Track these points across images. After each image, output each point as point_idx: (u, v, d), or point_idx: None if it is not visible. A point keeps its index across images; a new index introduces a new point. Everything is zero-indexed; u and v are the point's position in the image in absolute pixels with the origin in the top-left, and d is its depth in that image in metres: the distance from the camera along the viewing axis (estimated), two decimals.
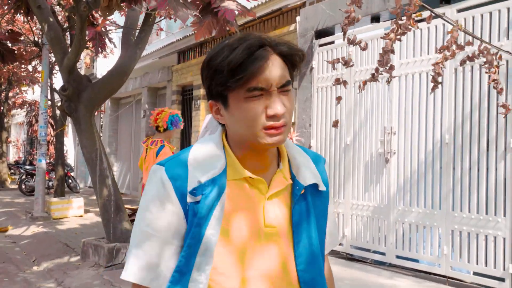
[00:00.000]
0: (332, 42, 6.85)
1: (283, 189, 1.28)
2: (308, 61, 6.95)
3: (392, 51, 3.07)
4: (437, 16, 2.87)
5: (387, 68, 2.99)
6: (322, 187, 1.32)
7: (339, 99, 3.46)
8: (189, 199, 1.20)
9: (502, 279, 4.58)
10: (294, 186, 1.28)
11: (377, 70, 3.20)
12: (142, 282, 1.21)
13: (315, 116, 6.91)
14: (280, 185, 1.27)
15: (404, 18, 2.78)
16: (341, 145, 6.46)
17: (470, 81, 4.91)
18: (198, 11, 5.44)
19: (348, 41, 3.11)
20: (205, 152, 1.25)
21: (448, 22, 2.94)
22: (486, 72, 2.96)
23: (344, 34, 2.99)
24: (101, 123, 17.75)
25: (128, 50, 7.01)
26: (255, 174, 1.25)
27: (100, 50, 7.34)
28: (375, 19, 6.30)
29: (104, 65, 15.17)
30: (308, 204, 1.29)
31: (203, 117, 10.20)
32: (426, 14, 3.20)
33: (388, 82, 3.20)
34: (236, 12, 5.14)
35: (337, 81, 3.19)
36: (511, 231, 4.51)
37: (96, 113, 15.91)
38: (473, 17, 4.89)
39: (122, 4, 4.74)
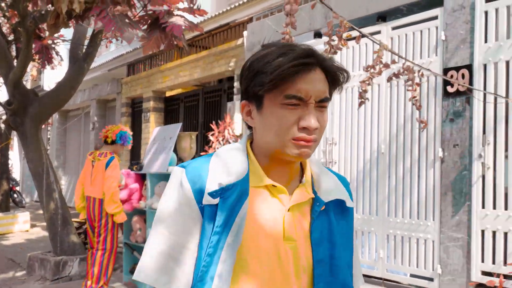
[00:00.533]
0: None
1: (305, 203, 1.24)
2: None
3: None
4: (364, 36, 3.13)
5: None
6: (349, 203, 1.29)
7: None
8: (205, 200, 1.17)
9: (431, 279, 4.90)
10: (314, 202, 1.24)
11: None
12: (155, 284, 1.18)
13: None
14: (302, 198, 1.23)
15: (335, 38, 3.03)
16: None
17: (404, 94, 5.25)
18: (146, 26, 5.61)
19: None
20: (228, 157, 1.22)
21: (375, 42, 3.21)
22: (407, 90, 3.25)
23: None
24: (49, 136, 17.45)
25: (75, 64, 7.06)
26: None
27: (46, 64, 7.36)
28: (318, 34, 6.61)
29: (51, 77, 14.98)
30: (331, 222, 1.25)
31: (153, 129, 10.27)
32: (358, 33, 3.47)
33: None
34: (184, 28, 5.34)
35: None
36: (439, 234, 4.85)
37: (43, 126, 15.65)
38: (406, 35, 5.24)
39: (68, 22, 4.84)
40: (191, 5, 4.78)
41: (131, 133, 5.63)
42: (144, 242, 5.40)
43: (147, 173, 5.31)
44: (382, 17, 5.64)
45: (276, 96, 1.16)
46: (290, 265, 1.18)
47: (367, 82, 3.23)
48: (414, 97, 3.21)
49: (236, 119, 7.54)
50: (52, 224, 6.71)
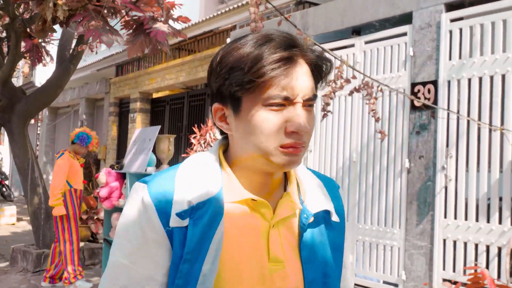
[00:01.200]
0: None
1: (291, 216, 1.07)
2: None
3: None
4: (326, 51, 3.33)
5: None
6: (335, 218, 1.12)
7: None
8: (172, 222, 0.98)
9: (396, 285, 5.12)
10: (301, 214, 1.07)
11: None
12: None
13: None
14: (288, 211, 1.06)
15: None
16: None
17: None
18: (131, 30, 5.80)
19: None
20: (197, 169, 1.04)
21: (336, 58, 3.43)
22: (366, 103, 3.47)
23: None
24: (38, 132, 17.58)
25: (62, 65, 7.24)
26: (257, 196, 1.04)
27: (36, 62, 7.53)
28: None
29: (43, 74, 15.12)
30: (322, 236, 1.09)
31: None
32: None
33: None
34: (167, 33, 5.54)
35: None
36: (404, 242, 5.07)
37: (33, 122, 15.78)
38: (378, 49, 5.46)
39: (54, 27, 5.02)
40: (168, 15, 4.97)
41: (92, 134, 6.00)
42: None
43: (127, 172, 5.50)
44: (357, 31, 5.86)
45: (256, 97, 0.98)
46: None
47: (329, 96, 3.44)
48: (373, 110, 3.43)
49: None
50: (36, 218, 6.90)
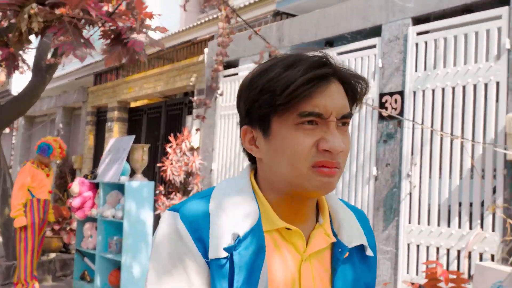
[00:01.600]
0: (236, 74, 7.47)
1: (324, 249, 1.03)
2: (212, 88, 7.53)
3: None
4: None
5: None
6: (369, 252, 1.08)
7: (197, 130, 4.07)
8: (212, 254, 0.94)
9: None
10: (335, 248, 1.03)
11: None
12: None
13: (218, 141, 7.47)
14: (321, 243, 1.02)
15: None
16: (239, 169, 7.04)
17: None
18: (109, 40, 5.90)
19: (213, 89, 3.75)
20: (232, 196, 0.99)
21: None
22: None
23: (212, 88, 3.62)
24: (13, 141, 17.46)
25: (38, 74, 7.30)
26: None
27: (12, 71, 7.57)
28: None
29: (19, 83, 15.06)
30: (356, 271, 1.04)
31: None
32: None
33: None
34: (145, 43, 5.65)
35: (197, 117, 3.77)
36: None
37: (8, 131, 15.67)
38: (349, 60, 5.66)
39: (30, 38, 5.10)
40: (142, 26, 5.09)
41: (54, 144, 5.99)
42: (94, 248, 5.64)
43: (100, 182, 5.57)
44: (330, 43, 6.05)
45: (288, 117, 0.95)
46: None
47: None
48: None
49: (194, 132, 7.85)
50: (6, 229, 6.89)
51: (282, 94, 0.93)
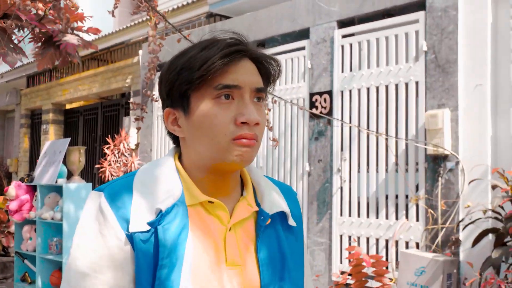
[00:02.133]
0: None
1: (248, 219, 1.07)
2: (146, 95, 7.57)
3: None
4: None
5: None
6: (291, 222, 1.11)
7: (138, 129, 4.17)
8: (132, 227, 0.97)
9: None
10: (258, 216, 1.07)
11: None
12: None
13: (155, 142, 7.53)
14: (244, 213, 1.06)
15: None
16: None
17: (278, 113, 5.85)
18: (40, 43, 5.84)
19: (147, 96, 3.86)
20: (155, 175, 1.04)
21: None
22: None
23: (146, 95, 3.72)
24: None
25: None
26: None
27: None
28: None
29: None
30: (280, 238, 1.08)
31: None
32: None
33: None
34: (78, 45, 5.64)
35: (136, 119, 3.86)
36: (306, 240, 5.47)
37: None
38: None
39: None
40: (67, 25, 5.08)
41: None
42: (34, 250, 5.61)
43: (37, 184, 5.53)
44: (262, 44, 6.23)
45: (205, 91, 1.00)
46: None
47: None
48: (267, 120, 3.77)
49: (131, 133, 7.86)
50: None
51: (199, 70, 0.98)
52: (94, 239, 0.98)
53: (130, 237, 0.97)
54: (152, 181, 1.02)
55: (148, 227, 0.96)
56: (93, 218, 0.99)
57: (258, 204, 1.08)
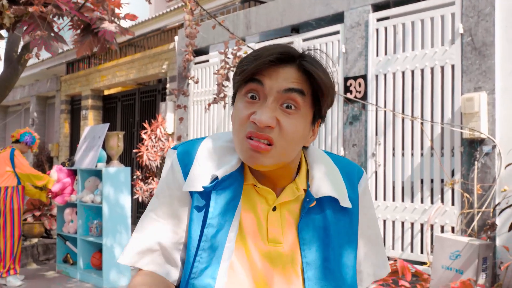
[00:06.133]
0: (207, 61, 7.62)
1: (294, 201, 1.11)
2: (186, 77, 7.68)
3: (228, 80, 3.87)
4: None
5: (222, 96, 3.78)
6: (345, 203, 1.12)
7: (181, 119, 4.26)
8: (186, 187, 1.09)
9: None
10: (304, 199, 1.10)
11: (217, 94, 3.99)
12: (136, 264, 1.10)
13: (192, 127, 7.64)
14: (289, 196, 1.10)
15: (230, 56, 3.57)
16: None
17: None
18: (80, 30, 5.99)
19: (187, 77, 3.93)
20: (219, 145, 1.13)
21: None
22: None
23: (185, 77, 3.80)
24: None
25: (10, 66, 7.34)
26: (263, 184, 1.10)
27: None
28: (243, 40, 7.17)
29: None
30: (326, 221, 1.10)
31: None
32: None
33: (224, 107, 4.00)
34: (115, 32, 5.76)
35: (178, 106, 3.95)
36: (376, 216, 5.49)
37: None
38: (314, 46, 5.83)
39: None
40: (113, 15, 5.20)
41: (36, 136, 6.07)
42: (75, 232, 5.83)
43: (77, 168, 5.73)
44: (296, 29, 6.24)
45: (240, 92, 1.07)
46: (278, 270, 1.07)
47: None
48: None
49: (168, 118, 8.00)
50: None
51: (239, 73, 1.05)
52: (161, 189, 1.13)
53: (190, 192, 1.09)
54: (214, 150, 1.11)
55: (201, 189, 1.06)
56: (166, 170, 1.14)
57: (308, 186, 1.11)
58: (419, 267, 4.46)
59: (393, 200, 5.07)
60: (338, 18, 5.63)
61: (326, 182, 1.11)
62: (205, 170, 1.08)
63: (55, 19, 5.47)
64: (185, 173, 1.09)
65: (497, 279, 4.20)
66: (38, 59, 4.47)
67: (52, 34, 4.61)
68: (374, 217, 1.21)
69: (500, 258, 4.22)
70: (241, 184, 1.08)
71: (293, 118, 1.03)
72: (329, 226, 1.09)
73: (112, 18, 5.22)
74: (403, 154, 5.01)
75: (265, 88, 1.02)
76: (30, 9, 4.14)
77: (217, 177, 1.06)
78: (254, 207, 1.09)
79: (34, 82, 13.65)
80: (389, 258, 5.00)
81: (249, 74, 1.03)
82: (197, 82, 4.00)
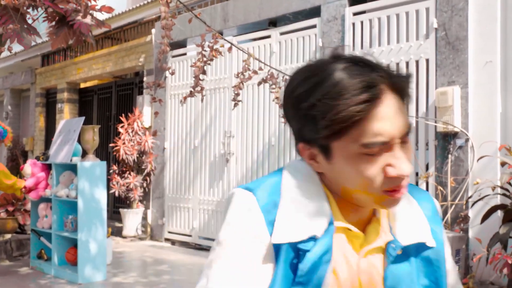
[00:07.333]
0: (185, 54, 7.58)
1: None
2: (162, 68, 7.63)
3: (204, 73, 3.86)
4: (235, 46, 3.68)
5: (198, 90, 3.78)
6: (431, 243, 1.01)
7: (156, 114, 4.23)
8: (277, 239, 0.93)
9: None
10: (389, 244, 0.99)
11: (193, 87, 3.98)
12: None
13: (169, 121, 7.61)
14: (378, 241, 0.99)
15: (207, 49, 3.56)
16: (191, 147, 7.22)
17: None
18: (54, 22, 5.90)
19: (163, 69, 3.90)
20: (301, 184, 0.97)
21: (244, 52, 3.78)
22: (271, 92, 3.85)
23: (162, 69, 3.77)
24: None
25: None
26: (350, 219, 0.98)
27: None
28: (220, 33, 7.15)
29: None
30: (412, 267, 1.00)
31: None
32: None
33: (202, 100, 4.00)
34: (91, 24, 5.69)
35: (154, 100, 3.93)
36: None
37: None
38: (291, 40, 5.87)
39: None
40: (87, 9, 5.13)
41: (8, 129, 5.97)
42: (50, 228, 5.76)
43: (52, 163, 5.66)
44: (273, 23, 6.24)
45: (348, 144, 0.90)
46: None
47: (239, 86, 3.79)
48: (277, 97, 3.81)
49: (145, 112, 7.95)
50: None
51: (331, 122, 0.88)
52: (236, 240, 0.94)
53: (276, 247, 0.93)
54: (301, 192, 0.96)
55: (295, 240, 0.92)
56: (242, 219, 0.94)
57: (390, 228, 1.00)
58: None
59: None
60: (315, 12, 5.65)
61: (411, 223, 1.00)
62: (295, 218, 0.93)
63: (29, 10, 5.39)
64: (269, 222, 0.93)
65: (470, 271, 4.28)
66: (11, 52, 4.39)
67: (26, 26, 4.53)
68: (447, 241, 1.09)
69: (472, 250, 4.30)
70: (332, 233, 0.94)
71: (409, 147, 0.94)
72: (416, 273, 1.00)
73: (87, 11, 5.14)
74: None
75: (390, 139, 0.90)
76: (3, 1, 4.06)
77: (315, 236, 0.92)
78: (344, 254, 0.97)
79: (8, 74, 13.42)
80: None
81: (358, 126, 0.89)
82: (173, 74, 3.98)
